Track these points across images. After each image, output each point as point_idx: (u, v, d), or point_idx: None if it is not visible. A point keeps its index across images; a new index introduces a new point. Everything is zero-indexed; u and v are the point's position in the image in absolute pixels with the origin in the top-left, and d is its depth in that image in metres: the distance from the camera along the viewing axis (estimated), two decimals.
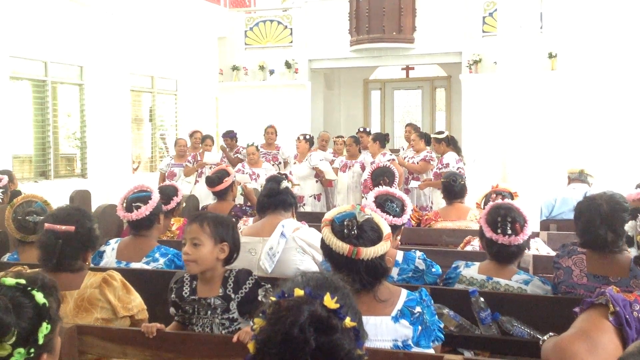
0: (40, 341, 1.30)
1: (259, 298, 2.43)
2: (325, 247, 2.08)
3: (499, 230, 2.70)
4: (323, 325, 1.19)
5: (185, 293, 2.47)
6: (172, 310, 2.44)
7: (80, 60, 8.86)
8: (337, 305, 1.22)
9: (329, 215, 2.14)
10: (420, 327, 2.03)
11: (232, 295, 2.42)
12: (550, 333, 2.01)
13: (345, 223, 2.04)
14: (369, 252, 1.99)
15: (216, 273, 2.47)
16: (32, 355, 1.30)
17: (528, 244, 2.84)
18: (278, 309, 1.22)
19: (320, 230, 3.23)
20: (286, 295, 1.25)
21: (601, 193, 2.61)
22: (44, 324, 1.31)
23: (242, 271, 2.51)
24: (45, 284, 1.39)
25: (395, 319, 2.02)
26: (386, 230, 2.09)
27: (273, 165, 8.16)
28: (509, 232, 2.68)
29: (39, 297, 1.33)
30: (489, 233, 2.74)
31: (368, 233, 2.04)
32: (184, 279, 2.51)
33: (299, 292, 1.25)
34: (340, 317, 1.21)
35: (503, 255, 2.74)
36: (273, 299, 1.25)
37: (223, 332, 2.40)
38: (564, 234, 4.18)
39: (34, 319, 1.32)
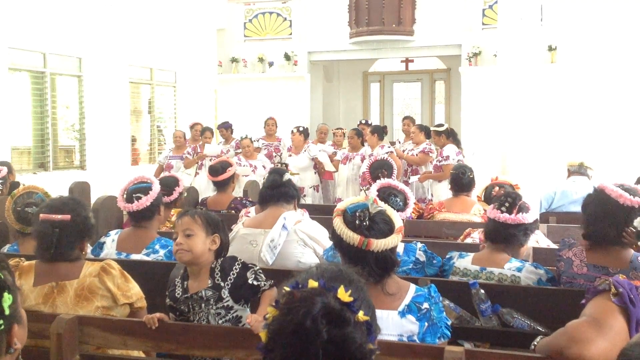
0: (7, 312, 1.31)
1: (249, 281, 2.44)
2: (335, 237, 2.08)
3: (497, 205, 2.79)
4: (335, 317, 1.18)
5: (178, 294, 2.47)
6: (170, 315, 2.44)
7: (79, 51, 8.82)
8: (351, 299, 1.22)
9: (341, 205, 2.14)
10: (426, 324, 2.03)
11: (222, 284, 2.43)
12: (541, 336, 2.05)
13: (357, 214, 2.04)
14: (379, 244, 2.00)
15: (205, 266, 2.48)
16: (2, 327, 1.30)
17: (524, 234, 2.82)
18: (291, 299, 1.22)
19: (319, 222, 3.28)
20: (300, 286, 1.25)
21: (603, 186, 2.62)
22: (5, 295, 1.31)
23: (226, 259, 2.53)
24: None
25: (402, 314, 2.02)
26: (398, 223, 2.09)
27: (275, 156, 8.17)
28: (504, 209, 2.74)
29: None
30: (489, 210, 2.83)
31: (380, 225, 2.04)
32: (175, 282, 2.52)
33: (313, 283, 1.24)
34: (353, 311, 1.21)
35: (497, 235, 2.79)
36: (287, 288, 1.25)
37: (220, 321, 2.40)
38: (564, 227, 4.18)
39: None
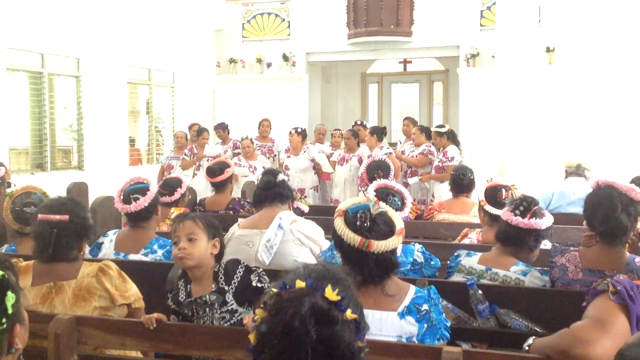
0: (10, 310, 1.32)
1: (253, 283, 2.44)
2: (336, 238, 2.08)
3: (511, 207, 2.77)
4: (324, 317, 1.19)
5: (182, 297, 2.47)
6: (173, 317, 2.44)
7: (77, 52, 8.82)
8: (338, 297, 1.22)
9: (343, 206, 2.14)
10: (426, 325, 2.03)
11: (226, 287, 2.42)
12: (532, 337, 2.06)
13: (359, 215, 2.04)
14: (380, 246, 2.00)
15: (208, 270, 2.47)
16: (4, 325, 1.32)
17: (534, 239, 2.80)
18: (279, 300, 1.23)
19: (316, 222, 3.28)
20: (288, 286, 1.26)
21: (610, 182, 2.62)
22: (9, 293, 1.32)
23: (229, 262, 2.52)
24: None
25: (401, 315, 2.02)
26: (399, 225, 2.10)
27: (269, 157, 8.16)
28: (517, 212, 2.73)
29: None
30: (503, 211, 2.82)
31: (381, 226, 2.05)
32: (179, 286, 2.52)
33: (300, 283, 1.25)
34: (341, 309, 1.21)
35: (507, 237, 2.77)
36: (274, 290, 1.25)
37: (225, 325, 2.40)
38: (562, 227, 4.18)
39: None
